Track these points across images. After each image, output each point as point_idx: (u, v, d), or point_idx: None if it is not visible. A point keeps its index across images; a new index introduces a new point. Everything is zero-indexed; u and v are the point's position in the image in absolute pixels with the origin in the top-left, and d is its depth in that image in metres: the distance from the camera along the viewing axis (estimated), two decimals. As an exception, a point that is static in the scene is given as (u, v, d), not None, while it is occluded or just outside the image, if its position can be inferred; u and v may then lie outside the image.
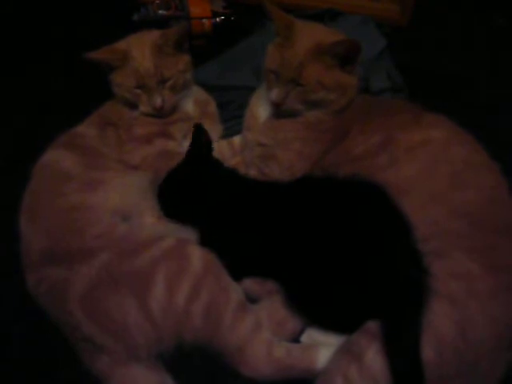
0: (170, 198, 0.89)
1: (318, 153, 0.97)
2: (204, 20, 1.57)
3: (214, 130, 1.15)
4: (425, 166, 0.86)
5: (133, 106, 1.06)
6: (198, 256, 0.81)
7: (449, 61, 1.49)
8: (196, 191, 0.88)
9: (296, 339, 0.84)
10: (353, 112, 0.98)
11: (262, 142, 1.04)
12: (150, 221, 0.91)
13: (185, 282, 0.78)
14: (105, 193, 0.91)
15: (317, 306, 0.79)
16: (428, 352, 0.70)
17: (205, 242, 0.87)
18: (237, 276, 0.85)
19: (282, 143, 1.00)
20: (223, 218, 0.87)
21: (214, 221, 0.88)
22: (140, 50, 1.02)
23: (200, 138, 0.92)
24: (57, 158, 0.96)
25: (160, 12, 1.58)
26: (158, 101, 1.03)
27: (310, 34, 0.95)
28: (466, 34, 1.61)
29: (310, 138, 0.98)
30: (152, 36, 1.05)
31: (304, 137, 0.98)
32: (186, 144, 1.08)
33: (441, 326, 0.71)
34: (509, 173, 0.86)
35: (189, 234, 0.89)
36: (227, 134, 1.20)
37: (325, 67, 0.93)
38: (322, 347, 0.80)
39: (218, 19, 1.60)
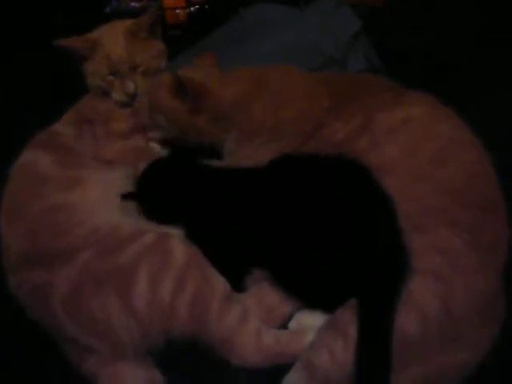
0: (150, 198, 0.88)
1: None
2: (178, 10, 1.55)
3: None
4: (407, 144, 0.85)
5: (107, 95, 1.05)
6: (180, 249, 0.80)
7: (427, 42, 1.48)
8: (176, 187, 0.87)
9: (284, 325, 0.84)
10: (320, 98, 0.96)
11: None
12: (132, 216, 0.90)
13: (168, 276, 0.77)
14: (84, 191, 0.90)
15: (306, 286, 0.79)
16: (411, 327, 0.70)
17: (190, 236, 0.86)
18: (223, 268, 0.83)
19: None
20: (205, 211, 0.86)
21: (197, 215, 0.87)
22: (112, 37, 1.02)
23: None
24: (34, 158, 0.94)
25: (132, 4, 1.56)
26: (130, 86, 1.02)
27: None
28: (445, 14, 1.60)
29: None
30: (125, 23, 1.05)
31: None
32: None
33: (424, 301, 0.72)
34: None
35: (170, 228, 0.88)
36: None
37: None
38: (311, 331, 0.79)
39: (192, 8, 1.58)
